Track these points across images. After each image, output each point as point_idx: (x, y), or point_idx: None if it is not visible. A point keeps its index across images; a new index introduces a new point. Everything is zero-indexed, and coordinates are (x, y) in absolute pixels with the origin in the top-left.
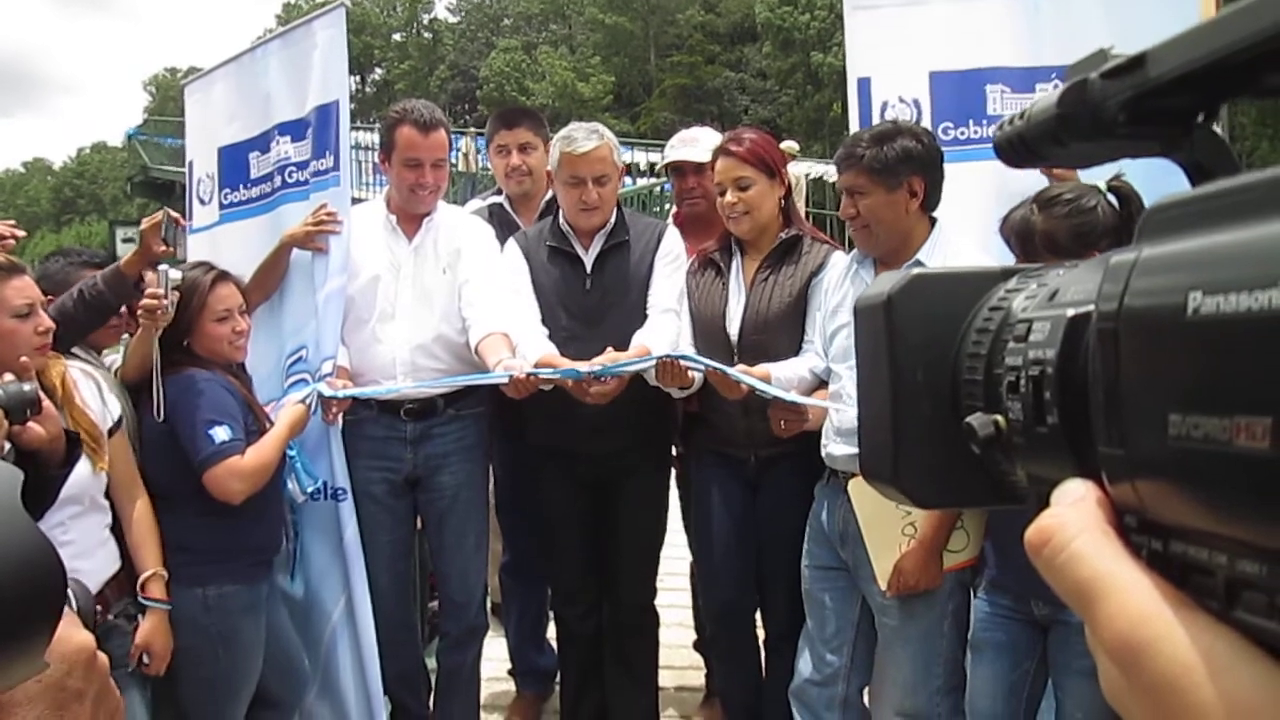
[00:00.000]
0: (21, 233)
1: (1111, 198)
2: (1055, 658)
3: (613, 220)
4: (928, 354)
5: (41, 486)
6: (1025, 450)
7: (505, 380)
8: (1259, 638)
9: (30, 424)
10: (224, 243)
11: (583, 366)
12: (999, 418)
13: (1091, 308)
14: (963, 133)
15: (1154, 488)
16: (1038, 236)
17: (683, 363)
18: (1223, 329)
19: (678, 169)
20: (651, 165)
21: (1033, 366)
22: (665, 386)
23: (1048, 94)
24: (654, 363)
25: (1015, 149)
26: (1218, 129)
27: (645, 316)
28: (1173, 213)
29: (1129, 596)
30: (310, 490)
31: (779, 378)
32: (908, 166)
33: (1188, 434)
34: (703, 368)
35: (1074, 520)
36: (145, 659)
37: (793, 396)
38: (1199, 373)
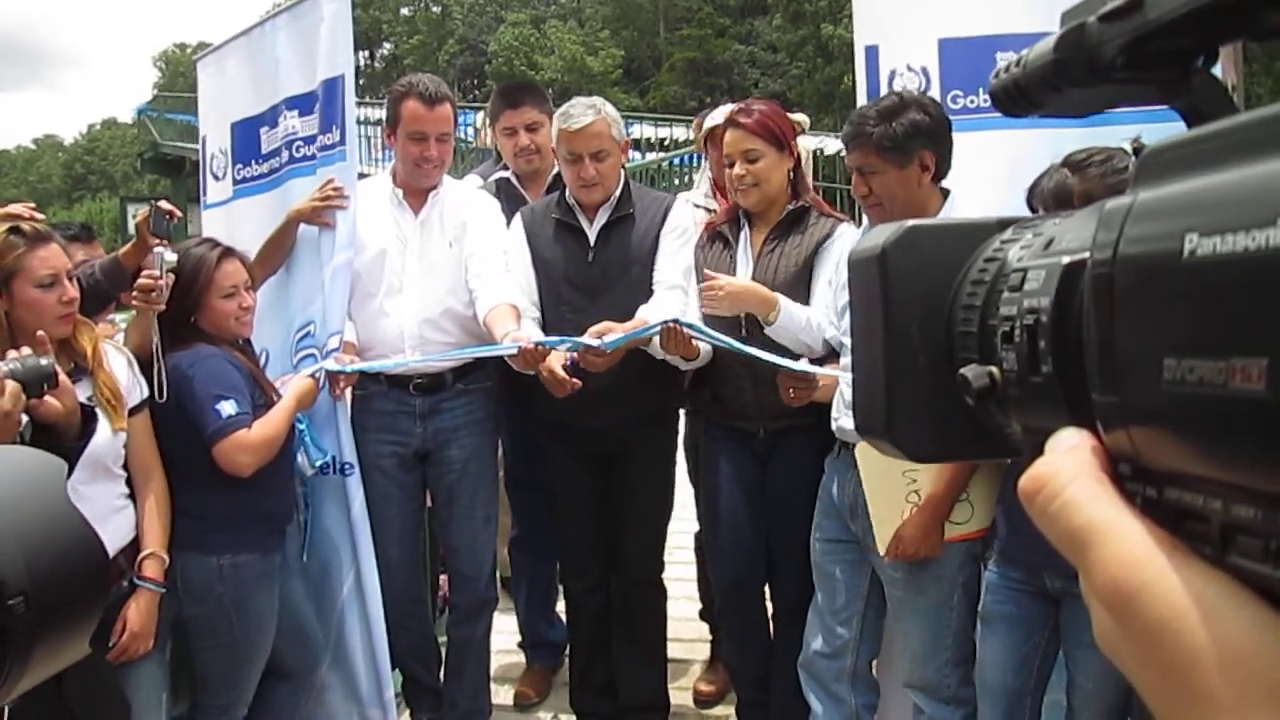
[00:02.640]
0: (41, 216)
1: (1134, 159)
2: (1067, 630)
3: (617, 194)
4: (922, 306)
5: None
6: (1019, 401)
7: (514, 351)
8: (1253, 582)
9: (47, 398)
10: (239, 218)
11: (591, 340)
12: (993, 369)
13: (1087, 254)
14: (972, 101)
15: (1148, 434)
16: (1076, 198)
17: (687, 331)
18: (1220, 270)
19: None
20: (661, 140)
21: (1027, 315)
22: (669, 355)
23: (1045, 39)
24: (659, 329)
25: (1011, 97)
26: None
27: (649, 291)
28: (1168, 155)
29: (1122, 543)
30: (319, 463)
31: (790, 312)
32: (917, 141)
33: (1183, 378)
34: (706, 338)
35: (1068, 468)
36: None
37: (803, 366)
38: (1195, 316)
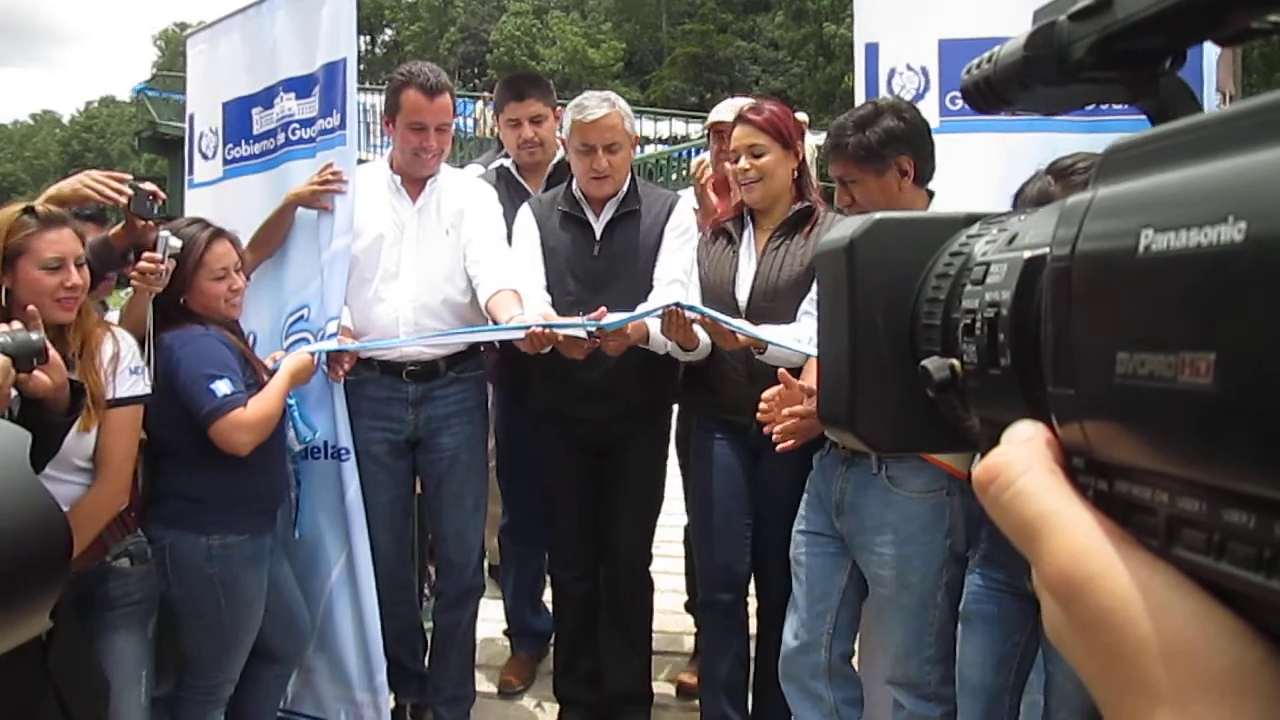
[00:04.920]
0: (120, 183)
1: None
2: None
3: (625, 188)
4: (888, 298)
5: (46, 434)
6: (978, 393)
7: (520, 335)
8: (1196, 574)
9: (36, 372)
10: (227, 198)
11: (591, 321)
12: (954, 361)
13: (1047, 250)
14: None
15: (1101, 427)
16: None
17: (688, 315)
18: (1172, 266)
19: (718, 130)
20: (660, 135)
21: (988, 308)
22: (670, 342)
23: (1016, 37)
24: (660, 311)
25: (981, 93)
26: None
27: (652, 286)
28: (1129, 153)
29: (1072, 533)
30: (307, 440)
31: (777, 342)
32: (893, 147)
33: (1134, 372)
34: (701, 315)
35: (1021, 458)
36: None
37: (798, 347)
38: (1148, 310)
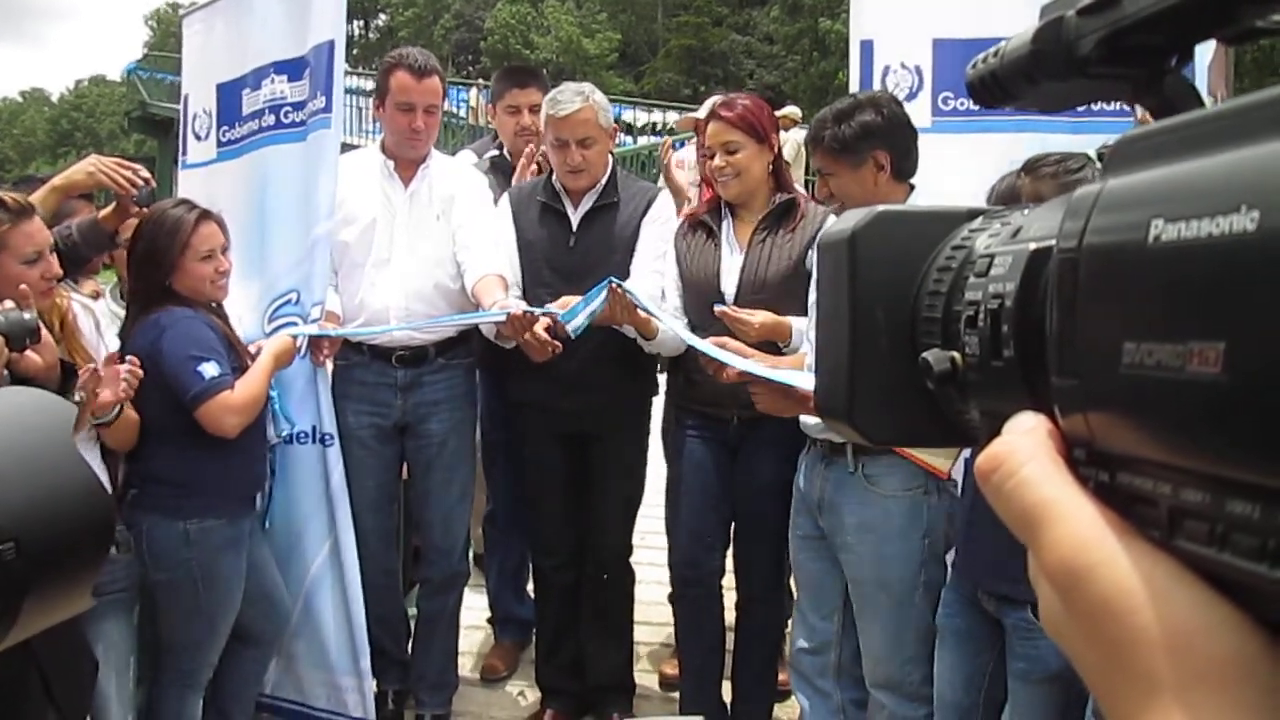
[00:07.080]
0: (146, 175)
1: (1099, 165)
2: (1009, 654)
3: (604, 181)
4: (889, 291)
5: None
6: (980, 385)
7: (502, 319)
8: (1198, 565)
9: (28, 352)
10: (219, 181)
11: (558, 309)
12: (955, 354)
13: (1053, 241)
14: (962, 104)
15: (1105, 418)
16: (1025, 198)
17: (630, 299)
18: (1183, 256)
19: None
20: (653, 125)
21: (992, 300)
22: (619, 325)
23: (1023, 31)
24: (604, 289)
25: (987, 87)
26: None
27: (628, 278)
28: (1139, 145)
29: (1073, 522)
30: (286, 433)
31: (799, 329)
32: (868, 141)
33: (1141, 362)
34: (645, 309)
35: (1024, 447)
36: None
37: (753, 367)
38: (1156, 300)
